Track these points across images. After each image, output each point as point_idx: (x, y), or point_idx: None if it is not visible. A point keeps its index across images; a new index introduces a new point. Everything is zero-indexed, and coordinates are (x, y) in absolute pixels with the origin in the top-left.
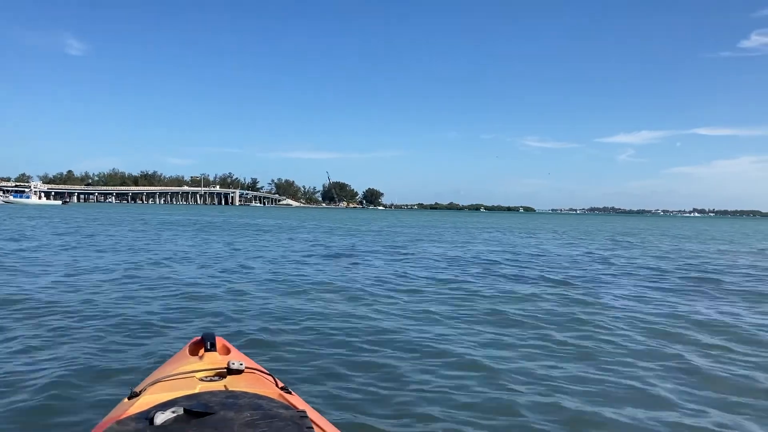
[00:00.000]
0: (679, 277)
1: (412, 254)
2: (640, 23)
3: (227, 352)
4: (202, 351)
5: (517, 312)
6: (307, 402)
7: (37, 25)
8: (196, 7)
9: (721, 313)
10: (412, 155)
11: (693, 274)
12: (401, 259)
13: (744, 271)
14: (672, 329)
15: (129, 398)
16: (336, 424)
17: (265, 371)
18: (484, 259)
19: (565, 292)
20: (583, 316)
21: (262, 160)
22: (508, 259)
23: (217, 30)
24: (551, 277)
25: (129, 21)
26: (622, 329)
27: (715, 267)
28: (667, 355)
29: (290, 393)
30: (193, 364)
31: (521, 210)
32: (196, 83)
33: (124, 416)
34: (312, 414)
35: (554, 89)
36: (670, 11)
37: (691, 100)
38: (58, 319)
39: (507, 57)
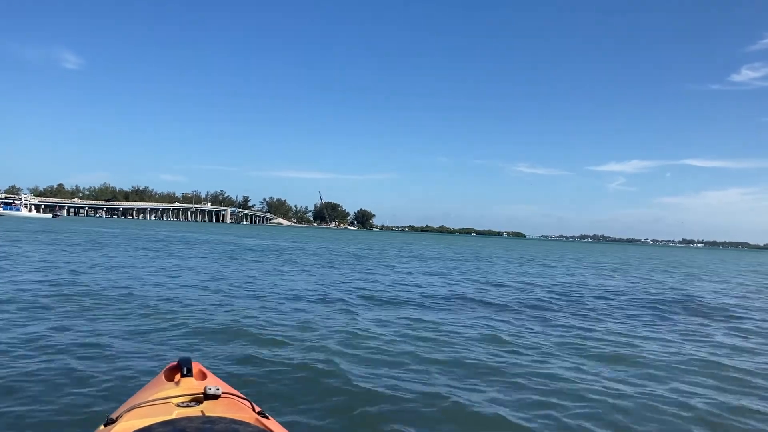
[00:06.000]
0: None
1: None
2: (633, 53)
3: (204, 377)
4: (178, 376)
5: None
6: (284, 426)
7: (34, 38)
8: (191, 25)
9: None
10: (403, 178)
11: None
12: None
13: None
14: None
15: (105, 425)
16: None
17: (242, 396)
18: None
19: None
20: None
21: (254, 179)
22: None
23: (213, 47)
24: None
25: (125, 35)
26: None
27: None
28: None
29: (267, 417)
30: (170, 389)
31: (505, 235)
32: (189, 99)
33: None
34: None
35: (546, 116)
36: (663, 43)
37: (681, 131)
38: (33, 340)
39: (499, 83)
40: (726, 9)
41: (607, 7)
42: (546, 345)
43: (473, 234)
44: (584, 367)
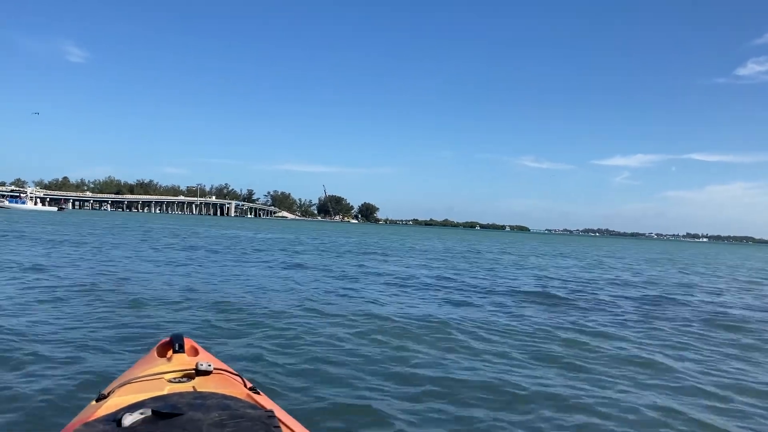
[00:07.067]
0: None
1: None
2: (639, 48)
3: (195, 353)
4: (170, 352)
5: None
6: (275, 402)
7: (39, 32)
8: (196, 19)
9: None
10: (407, 172)
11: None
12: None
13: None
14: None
15: (97, 400)
16: (304, 424)
17: (234, 372)
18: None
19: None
20: None
21: (258, 172)
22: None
23: (218, 41)
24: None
25: (130, 30)
26: None
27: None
28: None
29: (258, 393)
30: (162, 365)
31: (508, 229)
32: (194, 93)
33: (92, 418)
34: (280, 413)
35: (551, 110)
36: (668, 38)
37: (686, 125)
38: (24, 319)
39: (505, 77)
40: (731, 2)
41: (611, 1)
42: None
43: (477, 228)
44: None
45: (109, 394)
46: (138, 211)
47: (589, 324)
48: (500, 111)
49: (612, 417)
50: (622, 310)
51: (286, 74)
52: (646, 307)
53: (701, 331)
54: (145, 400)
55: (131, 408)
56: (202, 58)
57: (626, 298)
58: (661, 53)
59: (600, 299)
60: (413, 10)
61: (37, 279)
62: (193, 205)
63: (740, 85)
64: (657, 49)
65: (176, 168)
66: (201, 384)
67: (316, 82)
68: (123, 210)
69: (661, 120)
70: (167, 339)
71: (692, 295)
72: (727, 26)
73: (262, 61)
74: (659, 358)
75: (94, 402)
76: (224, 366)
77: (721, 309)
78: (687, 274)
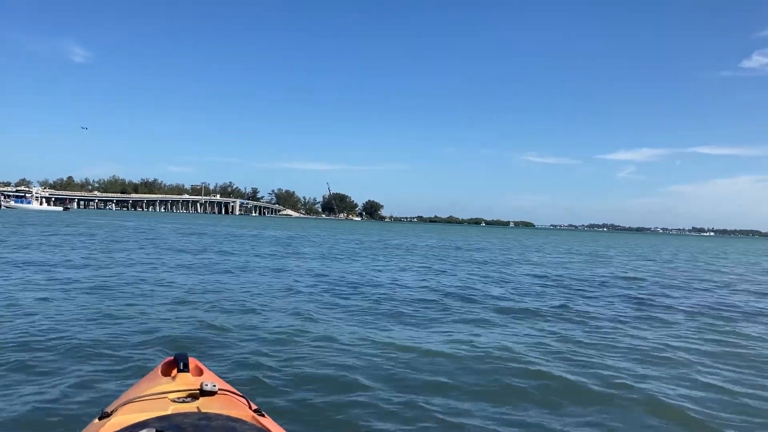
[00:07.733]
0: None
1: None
2: (643, 41)
3: (200, 373)
4: (174, 371)
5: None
6: (281, 425)
7: (42, 32)
8: (199, 17)
9: None
10: (412, 169)
11: None
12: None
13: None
14: None
15: (100, 419)
16: None
17: (239, 393)
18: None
19: None
20: None
21: (262, 170)
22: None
23: (221, 40)
24: None
25: (132, 29)
26: None
27: None
28: None
29: (263, 416)
30: (166, 384)
31: (512, 225)
32: (197, 91)
33: None
34: None
35: (556, 105)
36: (673, 30)
37: (691, 118)
38: (25, 333)
39: (508, 73)
40: None
41: None
42: None
43: (482, 224)
44: None
45: (112, 412)
46: (143, 210)
47: (584, 331)
48: (504, 107)
49: None
50: (620, 313)
51: (289, 72)
52: (645, 308)
53: (701, 332)
54: (148, 419)
55: (135, 427)
56: (206, 56)
57: (624, 298)
58: (665, 46)
59: (599, 300)
60: (416, 7)
61: (39, 283)
62: (198, 204)
63: (746, 77)
64: (661, 42)
65: (180, 167)
66: (205, 405)
67: (319, 80)
68: (128, 209)
69: (665, 114)
70: (171, 358)
71: (692, 293)
72: (732, 18)
73: (266, 59)
74: (654, 370)
75: (97, 420)
76: (229, 387)
77: (722, 307)
78: (690, 269)
